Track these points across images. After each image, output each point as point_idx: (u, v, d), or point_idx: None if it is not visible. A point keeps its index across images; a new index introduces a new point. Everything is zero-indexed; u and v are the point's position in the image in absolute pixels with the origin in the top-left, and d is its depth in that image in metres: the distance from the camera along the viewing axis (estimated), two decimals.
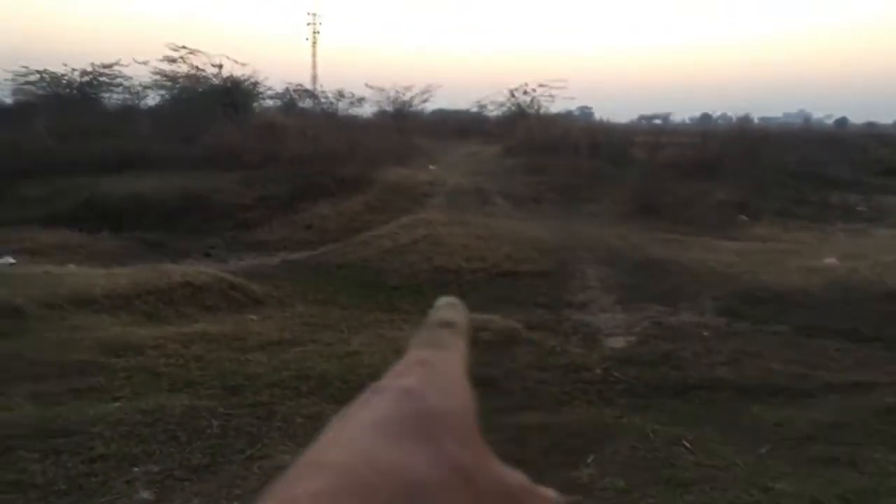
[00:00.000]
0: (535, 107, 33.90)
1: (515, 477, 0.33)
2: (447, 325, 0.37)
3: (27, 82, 27.54)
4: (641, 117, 51.34)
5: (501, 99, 34.93)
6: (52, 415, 4.51)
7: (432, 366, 0.34)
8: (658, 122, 50.39)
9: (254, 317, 8.42)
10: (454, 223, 12.76)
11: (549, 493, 0.35)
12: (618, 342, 7.15)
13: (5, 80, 27.68)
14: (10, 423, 4.33)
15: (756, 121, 37.08)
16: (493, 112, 36.06)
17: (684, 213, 14.97)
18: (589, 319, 8.00)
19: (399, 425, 0.30)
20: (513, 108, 34.43)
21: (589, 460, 4.31)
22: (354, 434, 0.29)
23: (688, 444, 4.55)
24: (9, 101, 27.69)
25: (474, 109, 37.54)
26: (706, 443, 4.62)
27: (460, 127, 32.99)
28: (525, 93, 33.86)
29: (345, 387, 5.46)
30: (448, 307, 0.39)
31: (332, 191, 17.34)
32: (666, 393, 5.66)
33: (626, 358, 6.51)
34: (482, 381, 5.34)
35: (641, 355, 6.59)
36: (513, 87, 34.23)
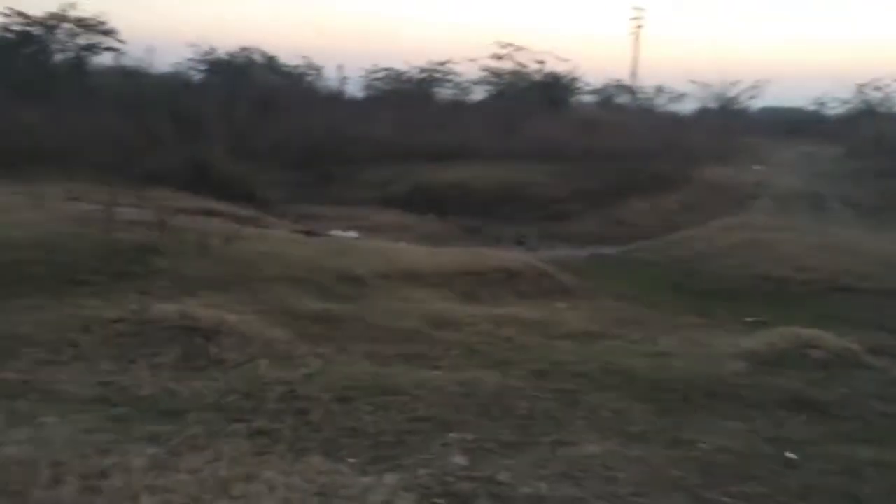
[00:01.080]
0: (889, 104, 30.16)
1: None
2: None
3: (375, 79, 31.10)
4: None
5: (846, 95, 31.67)
6: (385, 373, 5.02)
7: None
8: None
9: (563, 305, 8.56)
10: (782, 229, 11.78)
11: None
12: None
13: (360, 76, 31.51)
14: (350, 376, 4.91)
15: None
16: (833, 110, 32.86)
17: None
18: None
19: None
20: (860, 105, 30.94)
21: None
22: None
23: None
24: (360, 95, 31.43)
25: (811, 107, 34.42)
26: None
27: (792, 125, 30.50)
28: (877, 88, 30.30)
29: (653, 387, 5.27)
30: None
31: (647, 187, 17.02)
32: None
33: None
34: (809, 404, 4.79)
35: None
36: (861, 82, 30.95)
